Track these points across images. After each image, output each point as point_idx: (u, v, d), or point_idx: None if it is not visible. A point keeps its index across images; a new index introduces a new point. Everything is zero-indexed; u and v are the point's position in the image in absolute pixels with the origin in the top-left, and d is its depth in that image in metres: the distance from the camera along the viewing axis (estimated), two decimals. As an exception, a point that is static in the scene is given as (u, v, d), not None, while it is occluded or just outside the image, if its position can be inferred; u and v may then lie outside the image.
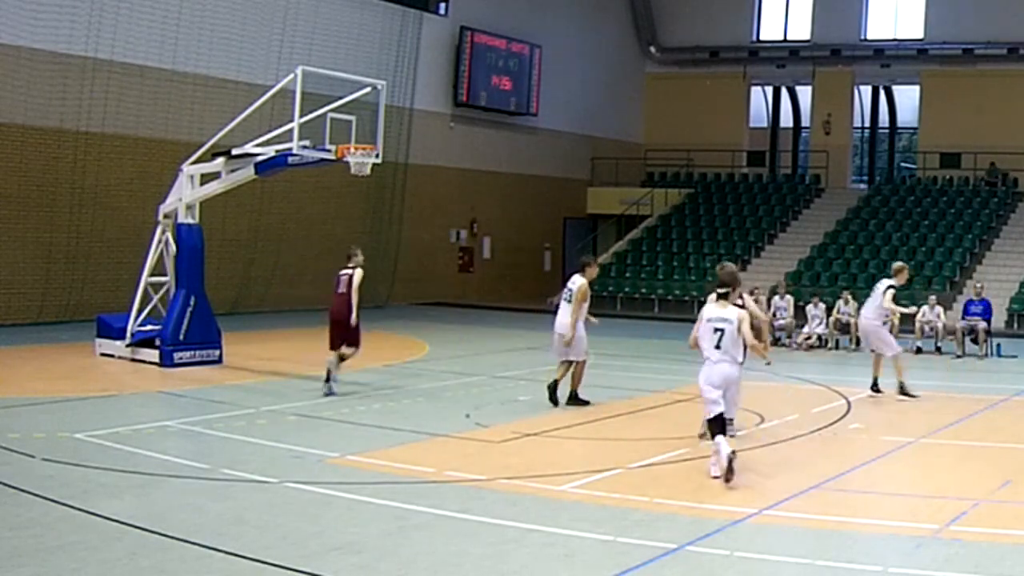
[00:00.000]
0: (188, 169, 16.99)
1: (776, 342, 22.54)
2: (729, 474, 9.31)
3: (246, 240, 25.64)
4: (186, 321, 16.43)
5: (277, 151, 16.10)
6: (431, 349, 19.92)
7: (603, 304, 26.27)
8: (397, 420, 12.53)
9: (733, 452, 9.43)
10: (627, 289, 30.32)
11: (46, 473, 9.34)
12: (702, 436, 9.70)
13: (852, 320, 21.91)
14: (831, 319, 22.38)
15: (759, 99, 39.01)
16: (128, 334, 16.79)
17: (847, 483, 9.76)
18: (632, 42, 38.41)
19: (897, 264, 15.88)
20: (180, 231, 16.85)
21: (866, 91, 37.71)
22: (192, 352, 16.49)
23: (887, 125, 38.43)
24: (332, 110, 16.05)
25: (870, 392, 14.99)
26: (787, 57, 36.66)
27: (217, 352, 16.83)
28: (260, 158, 16.31)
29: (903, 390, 14.79)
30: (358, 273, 14.43)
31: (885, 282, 15.40)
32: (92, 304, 20.96)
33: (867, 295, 24.10)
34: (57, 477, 9.20)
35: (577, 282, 13.57)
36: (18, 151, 21.71)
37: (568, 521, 8.18)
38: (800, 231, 32.51)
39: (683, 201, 35.08)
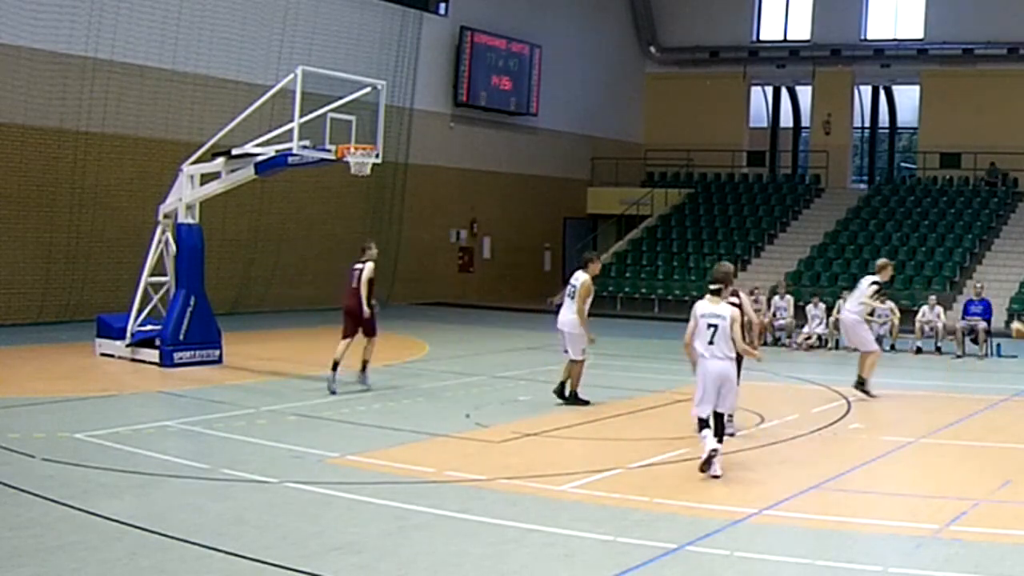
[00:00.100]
0: (188, 169, 16.99)
1: (776, 342, 22.58)
2: (705, 466, 9.54)
3: (246, 240, 25.64)
4: (186, 321, 16.43)
5: (277, 151, 16.10)
6: (431, 349, 19.92)
7: (603, 304, 26.24)
8: (397, 420, 12.53)
9: (715, 449, 9.56)
10: (627, 289, 30.32)
11: (46, 473, 9.34)
12: (702, 469, 9.77)
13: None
14: (831, 319, 22.35)
15: (759, 99, 39.01)
16: (128, 334, 16.79)
17: (847, 483, 9.76)
18: (632, 42, 38.41)
19: (881, 261, 15.90)
20: (180, 231, 16.85)
21: (866, 91, 37.71)
22: (192, 352, 16.48)
23: (887, 125, 38.43)
24: (332, 110, 16.05)
25: (853, 389, 14.95)
26: (787, 57, 36.66)
27: (217, 352, 16.83)
28: (260, 158, 16.31)
29: (863, 386, 14.67)
30: (368, 267, 14.57)
31: (869, 278, 15.39)
32: (92, 304, 20.96)
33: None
34: (57, 477, 9.20)
35: (580, 278, 13.61)
36: (18, 151, 21.72)
37: (568, 521, 8.18)
38: (800, 231, 32.51)
39: (683, 201, 35.08)
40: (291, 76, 15.84)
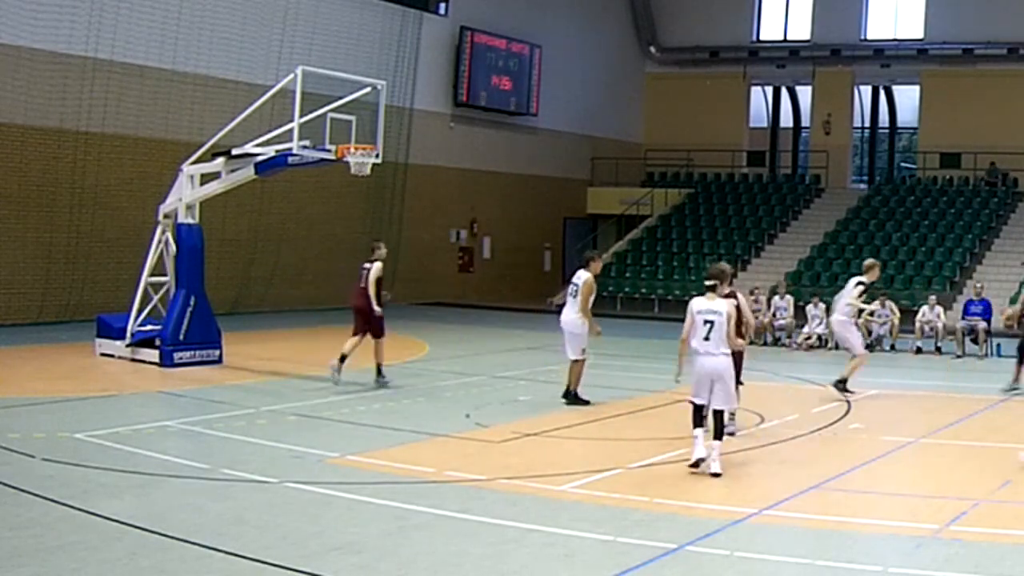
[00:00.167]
0: (188, 169, 16.99)
1: (776, 342, 22.59)
2: (694, 466, 9.81)
3: (246, 240, 25.64)
4: (186, 321, 16.43)
5: (277, 151, 16.10)
6: (431, 349, 19.92)
7: (603, 304, 26.22)
8: (397, 420, 12.53)
9: (700, 459, 9.83)
10: (627, 289, 30.32)
11: (46, 473, 9.34)
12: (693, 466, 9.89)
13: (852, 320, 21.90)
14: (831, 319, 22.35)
15: (759, 99, 39.01)
16: (128, 334, 16.78)
17: (847, 483, 9.76)
18: (632, 42, 38.42)
19: (868, 261, 15.87)
20: (180, 231, 16.85)
21: (866, 91, 37.71)
22: (192, 352, 16.48)
23: (887, 125, 38.43)
24: (332, 110, 16.05)
25: (832, 386, 14.88)
26: (787, 57, 36.66)
27: (217, 352, 16.83)
28: (260, 158, 16.31)
29: (842, 384, 14.63)
30: (375, 267, 14.80)
31: (855, 279, 15.34)
32: (92, 304, 20.96)
33: (867, 295, 24.28)
34: (57, 477, 9.20)
35: (582, 277, 13.64)
36: (18, 151, 21.72)
37: (568, 521, 8.18)
38: (800, 231, 32.51)
39: (683, 201, 35.08)
40: (291, 76, 15.84)
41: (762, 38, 37.39)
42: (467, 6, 31.73)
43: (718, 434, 9.98)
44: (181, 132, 23.06)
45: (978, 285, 22.54)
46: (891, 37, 35.17)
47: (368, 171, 15.91)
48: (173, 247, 16.96)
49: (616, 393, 14.50)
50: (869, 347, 21.59)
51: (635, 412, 13.51)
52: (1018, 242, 29.03)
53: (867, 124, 38.36)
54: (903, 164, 38.21)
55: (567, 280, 14.25)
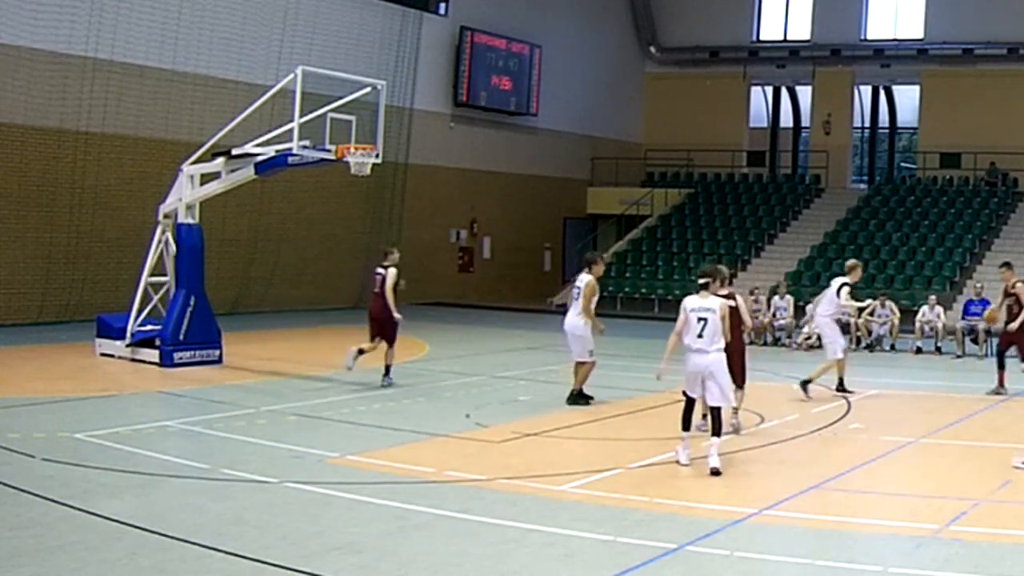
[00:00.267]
0: (188, 169, 16.99)
1: (776, 342, 22.59)
2: (680, 463, 10.10)
3: (246, 240, 25.64)
4: (186, 321, 16.43)
5: (277, 151, 16.10)
6: (431, 349, 19.92)
7: (603, 304, 26.07)
8: (397, 420, 12.53)
9: (682, 463, 10.09)
10: (627, 289, 30.32)
11: (46, 473, 9.34)
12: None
13: (852, 320, 21.92)
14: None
15: (759, 99, 39.02)
16: (128, 334, 16.79)
17: (847, 483, 9.76)
18: (632, 42, 38.42)
19: (851, 262, 15.86)
20: (180, 231, 16.85)
21: (866, 91, 37.71)
22: (192, 352, 16.49)
23: (887, 125, 38.44)
24: (332, 110, 16.06)
25: (833, 391, 14.87)
26: (787, 57, 36.66)
27: (217, 352, 16.83)
28: (260, 158, 16.31)
29: (805, 385, 14.57)
30: (390, 273, 14.86)
31: (839, 280, 15.27)
32: (92, 304, 20.96)
33: (868, 295, 24.28)
34: (57, 477, 9.20)
35: (584, 279, 13.64)
36: (18, 151, 21.72)
37: (568, 521, 8.18)
38: (800, 231, 32.51)
39: (683, 201, 35.08)
40: (291, 76, 15.84)
41: (762, 38, 37.39)
42: (467, 6, 31.74)
43: (716, 431, 10.02)
44: (181, 132, 23.06)
45: (978, 285, 22.54)
46: (891, 37, 35.17)
47: (368, 171, 15.91)
48: (173, 247, 16.96)
49: (616, 393, 14.50)
50: (869, 347, 21.71)
51: (635, 412, 13.52)
52: (1018, 242, 29.01)
53: (867, 124, 38.37)
54: (903, 164, 38.21)
55: (567, 280, 14.28)
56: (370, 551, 7.42)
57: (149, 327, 16.86)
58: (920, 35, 34.50)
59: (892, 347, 21.68)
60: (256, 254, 26.07)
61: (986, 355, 20.70)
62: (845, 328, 21.94)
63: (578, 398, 13.68)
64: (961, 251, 28.91)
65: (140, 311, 17.04)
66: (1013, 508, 8.96)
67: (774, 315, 22.78)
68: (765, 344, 22.19)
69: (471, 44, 31.92)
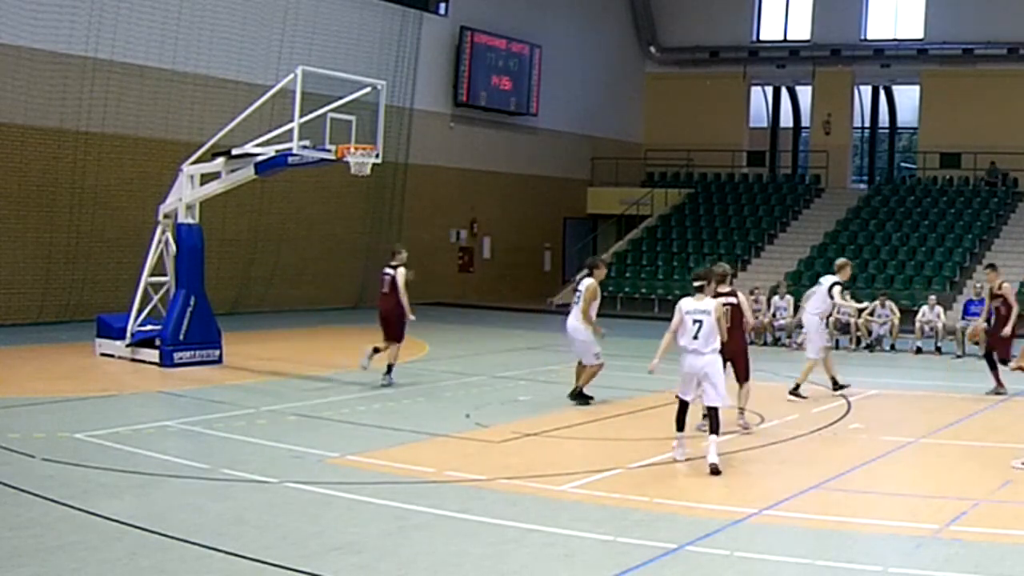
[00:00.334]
0: (188, 169, 16.99)
1: (776, 342, 22.59)
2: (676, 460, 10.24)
3: (246, 240, 25.64)
4: (186, 321, 16.43)
5: (277, 151, 16.10)
6: (431, 349, 19.91)
7: (603, 304, 26.10)
8: (397, 420, 12.53)
9: (682, 460, 10.21)
10: (627, 289, 30.32)
11: (46, 473, 9.34)
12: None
13: (852, 320, 21.94)
14: (831, 319, 22.34)
15: (759, 99, 39.01)
16: (128, 334, 16.79)
17: (847, 483, 9.76)
18: (632, 42, 38.41)
19: (840, 260, 15.83)
20: (180, 231, 16.85)
21: (866, 91, 37.71)
22: (192, 352, 16.49)
23: (887, 125, 38.43)
24: (332, 110, 16.06)
25: (831, 392, 14.83)
26: (787, 57, 36.66)
27: (217, 352, 16.83)
28: (260, 158, 16.31)
29: (796, 389, 14.57)
30: (400, 272, 14.92)
31: (830, 279, 15.21)
32: (92, 304, 20.96)
33: (868, 295, 24.30)
34: (57, 477, 9.20)
35: (585, 283, 13.67)
36: (18, 151, 21.72)
37: (568, 521, 8.18)
38: (800, 231, 32.51)
39: (683, 201, 35.08)
40: (291, 76, 15.84)
41: (762, 38, 37.39)
42: (467, 6, 31.73)
43: (715, 430, 10.07)
44: (181, 132, 23.06)
45: (978, 285, 22.47)
46: (891, 37, 35.17)
47: (368, 171, 15.92)
48: (173, 247, 16.96)
49: (616, 393, 14.50)
50: (869, 347, 21.71)
51: (635, 412, 13.52)
52: (1018, 242, 29.03)
53: (867, 124, 38.36)
54: (903, 164, 38.21)
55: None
56: (370, 551, 7.42)
57: (149, 327, 16.86)
58: (920, 35, 34.49)
59: (892, 347, 21.69)
60: (256, 254, 26.07)
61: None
62: (845, 328, 22.04)
63: (580, 396, 13.67)
64: (961, 251, 28.91)
65: (140, 311, 17.04)
66: (1013, 508, 8.96)
67: (774, 315, 22.78)
68: (765, 344, 22.19)
69: (471, 44, 31.92)
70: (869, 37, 35.57)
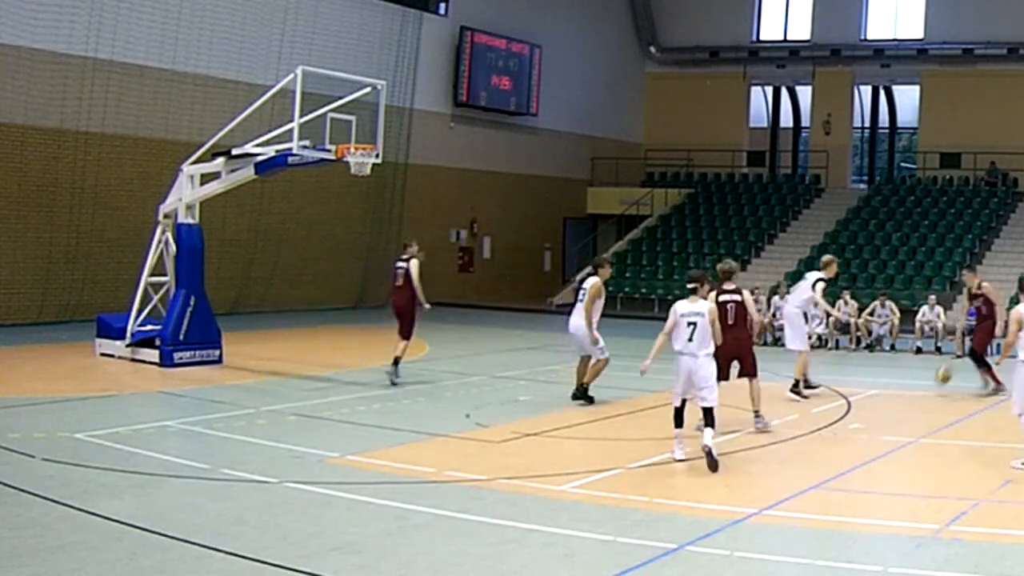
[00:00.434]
0: (188, 169, 16.99)
1: (776, 342, 22.56)
2: (676, 459, 10.29)
3: (246, 240, 25.64)
4: (186, 321, 16.43)
5: (277, 151, 16.10)
6: (431, 349, 19.91)
7: (604, 304, 26.24)
8: (397, 420, 12.53)
9: (678, 460, 10.28)
10: (627, 289, 30.30)
11: (46, 473, 9.34)
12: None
13: (852, 320, 21.94)
14: (831, 319, 22.35)
15: (759, 99, 39.01)
16: (128, 334, 16.79)
17: (847, 483, 9.76)
18: (632, 42, 38.41)
19: (826, 257, 15.77)
20: (180, 231, 16.85)
21: (866, 91, 37.71)
22: (192, 352, 16.49)
23: (887, 125, 38.44)
24: (332, 110, 16.05)
25: (788, 392, 14.64)
26: (787, 57, 36.66)
27: (217, 352, 16.83)
28: (260, 158, 16.31)
29: (795, 389, 14.53)
30: (413, 265, 15.02)
31: (814, 275, 15.17)
32: (92, 304, 20.96)
33: (868, 295, 24.30)
34: (57, 477, 9.20)
35: (589, 282, 13.69)
36: (18, 151, 21.72)
37: (568, 521, 8.18)
38: (800, 231, 32.51)
39: (683, 201, 35.08)
40: (291, 76, 15.84)
41: (762, 38, 37.38)
42: (467, 6, 31.73)
43: (710, 424, 10.21)
44: (181, 132, 23.06)
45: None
46: (891, 37, 35.17)
47: (368, 171, 15.91)
48: (173, 247, 16.96)
49: (616, 393, 14.49)
50: (869, 347, 21.71)
51: (635, 412, 13.51)
52: (1018, 242, 29.03)
53: (867, 124, 38.36)
54: (903, 164, 38.21)
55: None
56: (370, 551, 7.42)
57: (149, 327, 16.86)
58: (920, 35, 34.49)
59: (892, 347, 21.69)
60: (256, 254, 26.07)
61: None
62: (845, 328, 22.04)
63: (584, 395, 13.65)
64: (961, 251, 28.91)
65: (140, 311, 17.04)
66: (1013, 508, 8.96)
67: (774, 315, 22.76)
68: (765, 344, 22.15)
69: (471, 44, 31.92)
70: (869, 37, 35.57)
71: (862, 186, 36.85)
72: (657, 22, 38.30)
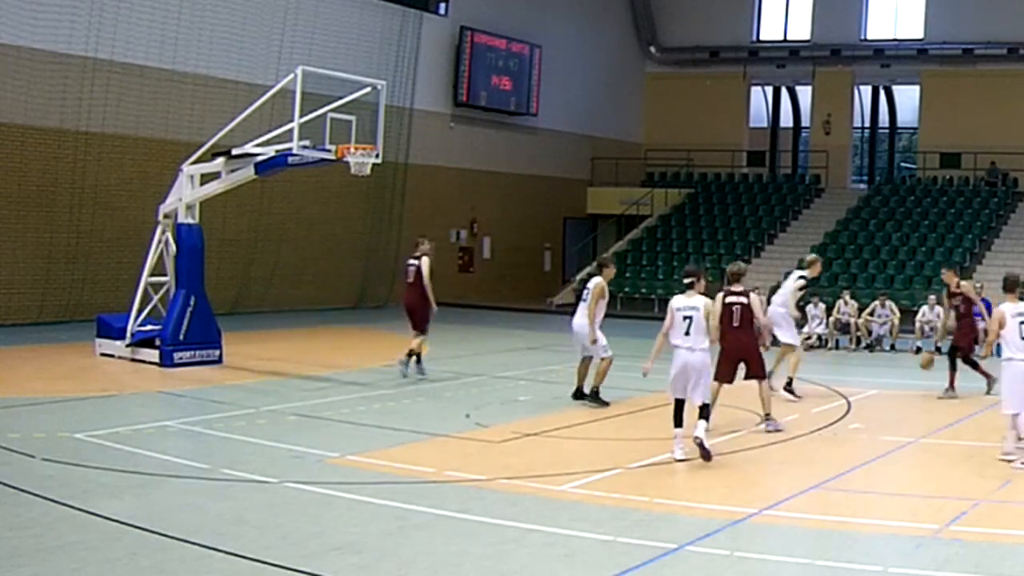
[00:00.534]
0: (188, 169, 16.99)
1: (775, 342, 22.53)
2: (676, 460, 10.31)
3: (246, 240, 25.63)
4: (186, 321, 16.43)
5: (277, 151, 16.10)
6: (431, 349, 19.88)
7: (603, 304, 26.25)
8: (397, 420, 12.53)
9: (678, 460, 10.30)
10: (627, 289, 30.29)
11: (46, 473, 9.34)
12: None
13: (852, 320, 21.95)
14: (831, 319, 22.38)
15: (759, 99, 39.01)
16: (128, 334, 16.78)
17: (847, 483, 9.76)
18: (632, 42, 38.41)
19: (810, 256, 15.81)
20: (180, 231, 16.85)
21: (866, 91, 37.70)
22: (192, 352, 16.48)
23: (887, 125, 38.43)
24: (332, 110, 16.05)
25: (788, 388, 14.63)
26: (787, 57, 36.66)
27: (217, 352, 16.83)
28: (260, 158, 16.31)
29: (789, 388, 14.49)
30: (424, 263, 15.11)
31: (797, 273, 15.23)
32: (92, 304, 20.95)
33: (868, 295, 24.30)
34: (57, 477, 9.20)
35: (593, 282, 13.70)
36: (18, 151, 21.71)
37: (568, 521, 8.18)
38: (800, 231, 32.51)
39: (683, 201, 35.08)
40: (291, 76, 15.84)
41: (762, 38, 37.38)
42: (467, 6, 31.73)
43: (703, 417, 10.36)
44: (181, 132, 23.05)
45: (978, 285, 22.47)
46: (891, 37, 35.16)
47: (368, 171, 15.92)
48: (173, 247, 16.96)
49: (616, 393, 14.48)
50: (869, 347, 21.70)
51: (635, 412, 13.51)
52: (1018, 242, 29.03)
53: (867, 124, 38.36)
54: (903, 164, 38.21)
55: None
56: (370, 551, 7.42)
57: (149, 327, 16.86)
58: (920, 35, 34.49)
59: (892, 347, 21.68)
60: (256, 254, 26.07)
61: (987, 355, 20.67)
62: (845, 328, 22.04)
63: (596, 399, 13.62)
64: (961, 251, 28.91)
65: (140, 311, 17.03)
66: (1013, 508, 8.97)
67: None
68: (763, 345, 22.14)
69: (471, 44, 31.91)
70: (869, 37, 35.57)
71: (862, 186, 36.84)
72: (657, 22, 38.30)
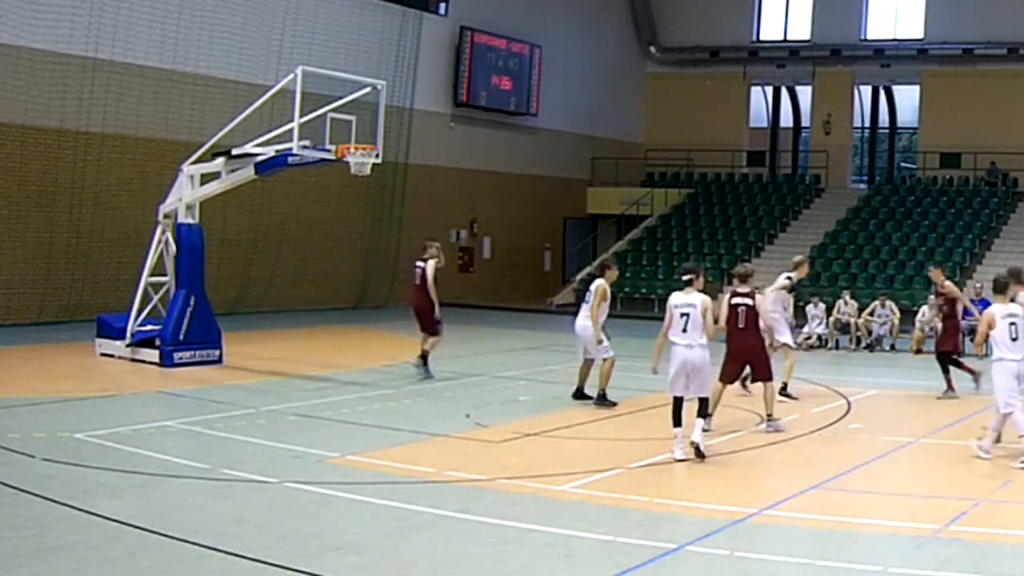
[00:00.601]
0: (188, 169, 16.99)
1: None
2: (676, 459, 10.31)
3: (246, 240, 25.63)
4: (186, 321, 16.43)
5: (277, 151, 16.10)
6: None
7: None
8: (397, 420, 12.53)
9: (682, 459, 10.30)
10: (627, 289, 30.26)
11: (46, 473, 9.34)
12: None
13: (852, 320, 21.95)
14: (831, 319, 22.39)
15: (759, 99, 39.00)
16: (128, 334, 16.78)
17: (847, 483, 9.76)
18: (632, 42, 38.41)
19: (798, 257, 15.74)
20: (180, 231, 16.85)
21: (866, 91, 37.69)
22: (192, 352, 16.48)
23: (887, 125, 38.42)
24: (332, 110, 16.06)
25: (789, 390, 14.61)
26: (787, 57, 36.65)
27: (217, 352, 16.83)
28: (260, 158, 16.31)
29: (784, 390, 14.43)
30: (430, 266, 15.19)
31: (784, 274, 15.19)
32: (92, 304, 20.95)
33: (868, 295, 24.31)
34: (57, 477, 9.20)
35: (595, 283, 13.72)
36: (18, 151, 21.70)
37: (568, 521, 8.18)
38: (800, 231, 32.50)
39: (683, 201, 35.08)
40: (291, 76, 15.84)
41: (762, 38, 37.37)
42: (467, 6, 31.72)
43: (702, 414, 10.40)
44: (181, 132, 23.05)
45: (978, 285, 22.51)
46: (891, 37, 35.15)
47: (368, 171, 15.92)
48: (173, 247, 16.96)
49: (616, 393, 14.47)
50: (869, 347, 21.71)
51: (635, 412, 13.51)
52: (1018, 242, 29.02)
53: (867, 124, 38.35)
54: (903, 164, 38.20)
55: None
56: (370, 551, 7.42)
57: (149, 327, 16.86)
58: (920, 35, 34.48)
59: (892, 347, 21.68)
60: (256, 254, 26.07)
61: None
62: (845, 328, 22.05)
63: (604, 401, 13.60)
64: (961, 251, 28.91)
65: (140, 311, 17.04)
66: (1013, 508, 8.97)
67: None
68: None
69: (471, 44, 31.91)
70: (869, 37, 35.56)
71: (862, 186, 36.83)
72: (657, 22, 38.30)
